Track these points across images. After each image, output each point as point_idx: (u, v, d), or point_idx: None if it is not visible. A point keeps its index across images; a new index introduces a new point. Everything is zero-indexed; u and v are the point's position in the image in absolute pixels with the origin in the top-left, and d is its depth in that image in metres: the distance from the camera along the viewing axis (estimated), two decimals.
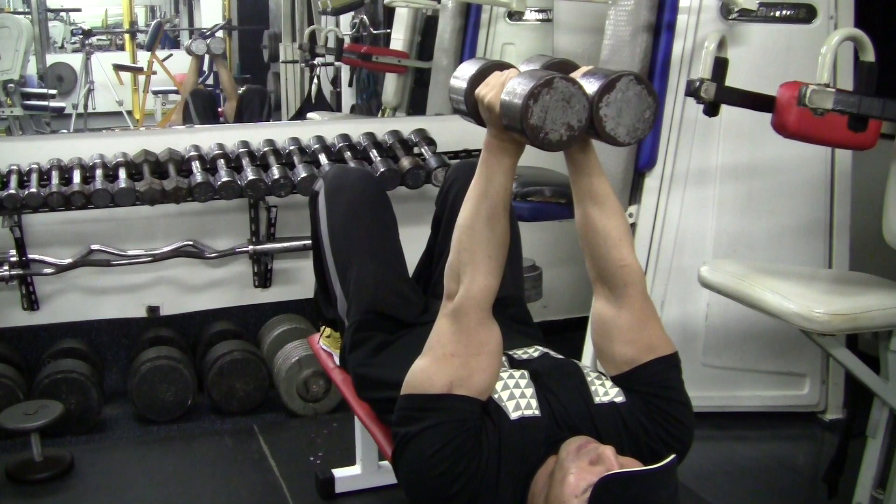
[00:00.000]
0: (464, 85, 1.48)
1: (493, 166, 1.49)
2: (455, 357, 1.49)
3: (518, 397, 1.55)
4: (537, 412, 1.54)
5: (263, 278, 3.55)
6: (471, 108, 1.49)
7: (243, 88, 4.49)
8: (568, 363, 1.70)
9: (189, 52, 4.29)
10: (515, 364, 1.68)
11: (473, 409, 1.50)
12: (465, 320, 1.50)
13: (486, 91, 1.45)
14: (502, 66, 1.51)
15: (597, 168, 1.58)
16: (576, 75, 1.46)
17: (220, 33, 4.65)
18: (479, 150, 3.72)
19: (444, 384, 1.48)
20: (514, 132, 1.39)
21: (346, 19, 4.45)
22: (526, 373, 1.61)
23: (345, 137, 3.44)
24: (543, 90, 1.32)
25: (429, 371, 1.51)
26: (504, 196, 1.49)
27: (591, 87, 1.38)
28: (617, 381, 1.63)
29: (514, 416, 1.53)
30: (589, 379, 1.63)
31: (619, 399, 1.59)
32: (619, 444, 1.47)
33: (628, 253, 1.59)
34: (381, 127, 3.53)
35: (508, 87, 1.37)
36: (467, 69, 1.50)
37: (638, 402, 1.58)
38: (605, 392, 1.60)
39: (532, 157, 3.72)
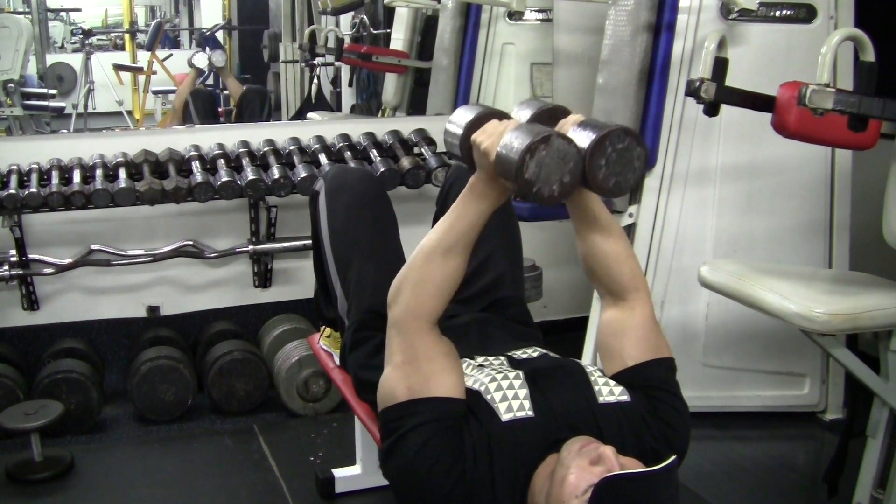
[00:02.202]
0: (459, 131, 1.53)
1: (470, 207, 1.54)
2: (406, 364, 1.54)
3: (511, 399, 1.55)
4: (531, 413, 1.53)
5: (263, 278, 3.55)
6: (465, 151, 1.53)
7: (243, 88, 4.49)
8: (570, 363, 1.70)
9: (190, 65, 4.29)
10: (514, 364, 1.68)
11: (448, 408, 1.52)
12: (406, 331, 1.55)
13: (483, 138, 1.49)
14: (500, 114, 1.55)
15: (595, 197, 1.62)
16: (567, 125, 1.50)
17: (219, 33, 4.65)
18: None
19: (404, 391, 1.52)
20: (507, 182, 1.44)
21: (346, 19, 4.45)
22: (521, 373, 1.61)
23: (345, 137, 3.44)
24: (540, 146, 1.36)
25: (388, 383, 1.56)
26: (468, 236, 1.55)
27: (583, 140, 1.42)
28: (620, 377, 1.64)
29: (505, 417, 1.52)
30: (592, 378, 1.62)
31: (624, 398, 1.59)
32: (621, 443, 1.46)
33: (635, 265, 1.67)
34: (381, 127, 3.53)
35: (506, 139, 1.41)
36: (464, 115, 1.54)
37: (642, 399, 1.59)
38: (610, 391, 1.60)
39: None
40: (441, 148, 3.48)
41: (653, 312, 1.67)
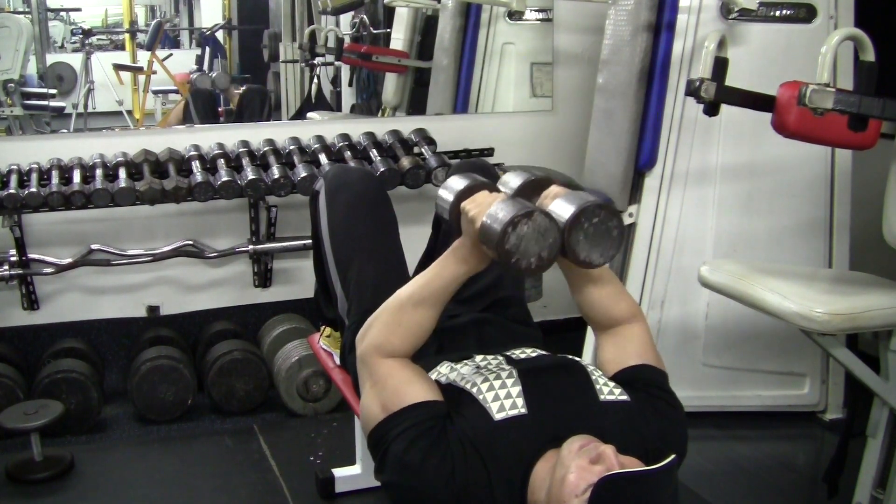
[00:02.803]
0: (451, 197, 1.63)
1: (449, 268, 1.61)
2: (375, 386, 1.60)
3: (503, 398, 1.56)
4: (524, 410, 1.54)
5: (263, 278, 3.55)
6: (453, 216, 1.62)
7: (243, 88, 4.49)
8: (571, 361, 1.71)
9: (193, 84, 4.30)
10: (513, 364, 1.68)
11: (425, 412, 1.54)
12: (370, 363, 1.63)
13: (471, 207, 1.56)
14: (490, 186, 1.64)
15: None
16: (548, 198, 1.57)
17: (219, 33, 4.65)
18: (479, 150, 3.72)
19: (379, 410, 1.57)
20: (488, 250, 1.51)
21: (346, 19, 4.45)
22: (514, 371, 1.61)
23: (345, 137, 3.44)
24: (523, 220, 1.44)
25: (365, 410, 1.62)
26: (441, 295, 1.62)
27: (562, 215, 1.49)
28: (618, 377, 1.66)
29: (498, 417, 1.53)
30: (594, 378, 1.63)
31: (624, 398, 1.60)
32: (621, 442, 1.47)
33: (630, 299, 1.79)
34: (381, 127, 3.53)
35: (492, 210, 1.49)
36: (457, 183, 1.64)
37: (641, 399, 1.61)
38: (611, 391, 1.61)
39: (532, 157, 3.73)
40: (441, 148, 3.48)
41: (650, 333, 1.76)
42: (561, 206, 1.51)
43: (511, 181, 1.66)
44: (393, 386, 1.58)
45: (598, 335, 1.78)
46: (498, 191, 1.64)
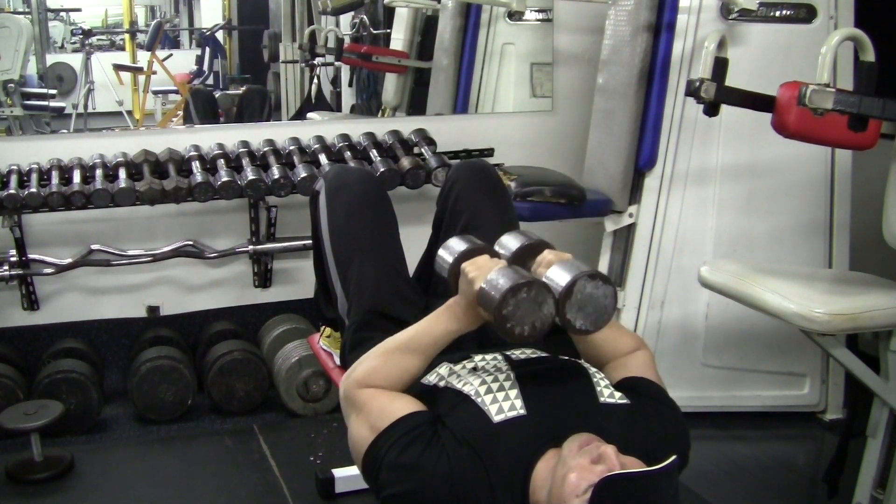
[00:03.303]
0: (451, 258, 1.70)
1: (441, 324, 1.65)
2: (360, 412, 1.61)
3: (501, 400, 1.56)
4: (522, 411, 1.54)
5: (263, 278, 3.55)
6: (452, 276, 1.68)
7: (243, 88, 4.49)
8: (572, 363, 1.71)
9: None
10: (512, 364, 1.68)
11: (412, 421, 1.55)
12: (350, 396, 1.64)
13: (471, 269, 1.60)
14: (491, 251, 1.71)
15: None
16: (542, 266, 1.62)
17: (219, 33, 4.65)
18: (479, 150, 3.72)
19: (369, 433, 1.57)
20: (484, 313, 1.57)
21: (346, 19, 4.45)
22: (511, 374, 1.62)
23: (345, 137, 3.44)
24: (522, 289, 1.50)
25: (354, 437, 1.62)
26: (430, 348, 1.65)
27: (557, 284, 1.54)
28: (620, 385, 1.67)
29: (497, 419, 1.54)
30: (595, 380, 1.64)
31: (625, 401, 1.61)
32: (622, 443, 1.47)
33: (630, 334, 1.84)
34: (381, 127, 3.53)
35: (492, 276, 1.54)
36: (458, 245, 1.72)
37: (642, 402, 1.62)
38: (611, 394, 1.62)
39: (532, 157, 3.73)
40: (441, 148, 3.48)
41: (654, 361, 1.79)
42: (556, 274, 1.56)
43: (509, 244, 1.73)
44: (378, 406, 1.58)
45: (601, 369, 1.79)
46: (497, 255, 1.71)
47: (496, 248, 1.74)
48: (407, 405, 1.59)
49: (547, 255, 1.67)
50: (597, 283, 1.53)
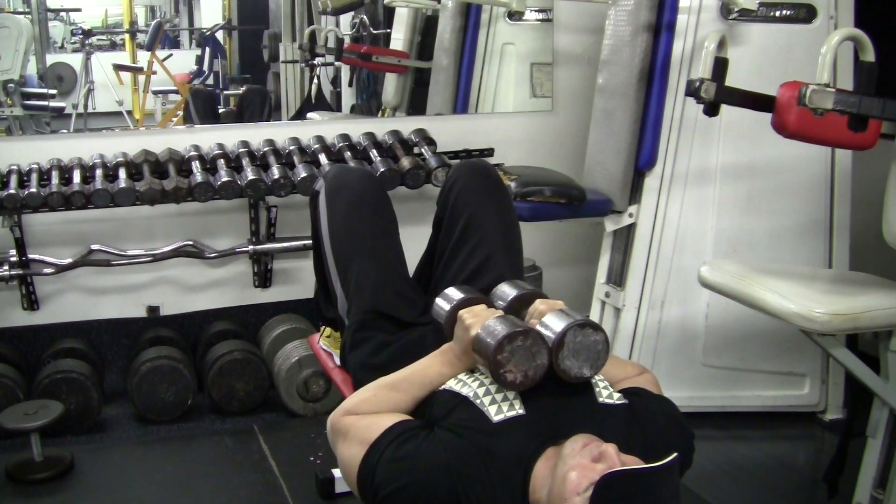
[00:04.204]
0: (448, 306, 1.76)
1: (434, 368, 1.69)
2: (348, 433, 1.62)
3: (500, 402, 1.56)
4: (521, 411, 1.55)
5: (263, 278, 3.55)
6: (448, 323, 1.74)
7: (243, 88, 4.49)
8: None
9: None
10: None
11: (405, 425, 1.56)
12: (337, 423, 1.66)
13: (468, 316, 1.66)
14: (487, 301, 1.77)
15: None
16: (535, 316, 1.67)
17: (219, 33, 4.65)
18: (479, 150, 3.71)
19: (359, 448, 1.56)
20: (479, 359, 1.60)
21: (346, 19, 4.45)
22: None
23: (345, 137, 3.44)
24: (518, 338, 1.55)
25: (344, 458, 1.61)
26: (421, 389, 1.67)
27: (552, 332, 1.59)
28: (620, 390, 1.68)
29: (496, 419, 1.54)
30: (594, 381, 1.64)
31: (624, 401, 1.62)
32: (622, 442, 1.47)
33: (629, 364, 1.88)
34: (381, 127, 3.53)
35: (489, 323, 1.60)
36: (455, 293, 1.79)
37: (643, 402, 1.63)
38: (609, 395, 1.63)
39: (532, 157, 3.72)
40: (441, 148, 3.48)
41: (657, 381, 1.81)
42: (551, 322, 1.61)
43: (505, 294, 1.80)
44: (365, 424, 1.59)
45: None
46: (492, 305, 1.77)
47: (492, 298, 1.81)
48: (395, 417, 1.60)
49: (539, 305, 1.71)
50: (587, 331, 1.58)
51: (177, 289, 3.50)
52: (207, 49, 4.64)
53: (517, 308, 1.75)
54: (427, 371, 1.69)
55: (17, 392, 3.00)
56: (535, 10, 3.84)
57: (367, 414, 1.63)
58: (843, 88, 2.07)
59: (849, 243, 3.03)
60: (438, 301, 1.81)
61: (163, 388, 3.14)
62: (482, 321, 1.61)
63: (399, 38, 4.17)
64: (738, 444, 2.99)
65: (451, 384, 1.66)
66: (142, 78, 4.42)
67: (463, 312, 1.68)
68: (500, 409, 1.55)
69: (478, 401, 1.57)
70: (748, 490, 2.73)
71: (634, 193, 3.02)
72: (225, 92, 4.52)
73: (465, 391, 1.60)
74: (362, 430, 1.58)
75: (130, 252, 3.34)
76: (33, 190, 3.03)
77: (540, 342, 1.56)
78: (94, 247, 3.30)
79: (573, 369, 1.58)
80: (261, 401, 3.24)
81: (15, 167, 3.15)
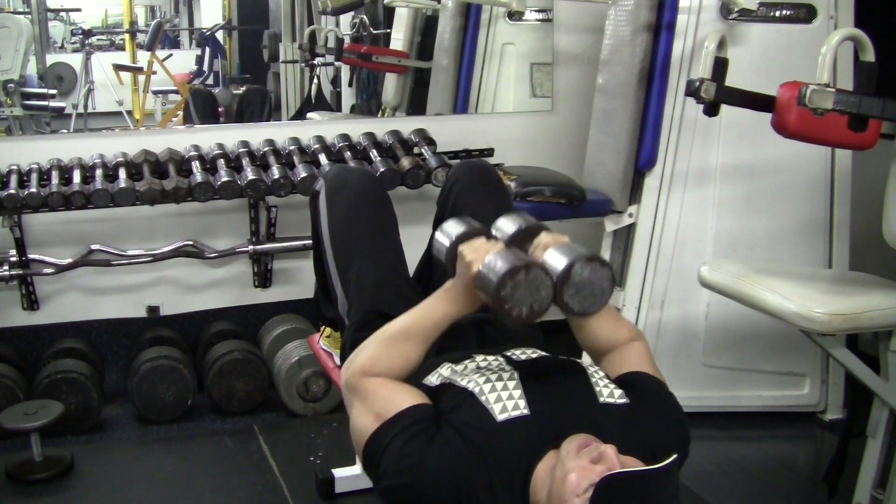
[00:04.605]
0: (447, 241, 1.69)
1: (439, 307, 1.66)
2: (365, 401, 1.61)
3: (505, 399, 1.56)
4: (526, 411, 1.54)
5: (263, 278, 3.55)
6: (449, 259, 1.67)
7: (243, 88, 4.49)
8: (571, 362, 1.71)
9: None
10: (513, 364, 1.68)
11: (416, 415, 1.55)
12: (356, 384, 1.63)
13: (469, 252, 1.61)
14: (487, 233, 1.69)
15: None
16: (539, 249, 1.62)
17: (219, 33, 4.65)
18: (480, 150, 3.71)
19: (373, 421, 1.56)
20: (482, 295, 1.57)
21: (346, 19, 4.45)
22: (515, 373, 1.62)
23: (345, 137, 3.44)
24: (520, 272, 1.50)
25: (357, 424, 1.61)
26: (430, 332, 1.66)
27: (554, 267, 1.54)
28: (619, 380, 1.67)
29: (500, 417, 1.53)
30: (594, 380, 1.63)
31: (623, 400, 1.61)
32: (621, 443, 1.47)
33: (627, 323, 1.83)
34: (381, 127, 3.53)
35: (489, 258, 1.54)
36: (455, 227, 1.70)
37: (641, 400, 1.62)
38: (610, 393, 1.62)
39: (532, 157, 3.72)
40: (441, 148, 3.48)
41: (650, 352, 1.78)
42: (554, 257, 1.56)
43: (505, 227, 1.72)
44: (384, 396, 1.59)
45: (599, 361, 1.80)
46: (493, 237, 1.70)
47: (493, 231, 1.73)
48: (412, 397, 1.58)
49: (544, 237, 1.66)
50: (594, 265, 1.53)
51: (177, 289, 3.50)
52: (207, 49, 4.64)
53: (520, 241, 1.68)
54: (432, 313, 1.66)
55: (17, 392, 3.00)
56: (535, 10, 3.84)
57: (384, 378, 1.62)
58: (843, 88, 2.07)
59: (849, 243, 3.03)
60: (438, 236, 1.73)
61: (163, 388, 3.14)
62: (483, 256, 1.57)
63: (399, 38, 4.17)
64: (738, 444, 2.99)
65: (456, 379, 1.65)
66: (142, 78, 4.42)
67: (463, 248, 1.63)
68: (505, 407, 1.54)
69: (483, 397, 1.56)
70: (748, 490, 2.73)
71: (634, 193, 3.02)
72: (224, 88, 4.52)
73: (470, 386, 1.60)
74: (380, 402, 1.57)
75: (130, 252, 3.34)
76: (33, 190, 3.03)
77: (543, 274, 1.52)
78: (94, 247, 3.30)
79: (575, 304, 1.54)
80: (261, 401, 3.24)
81: (15, 167, 3.15)
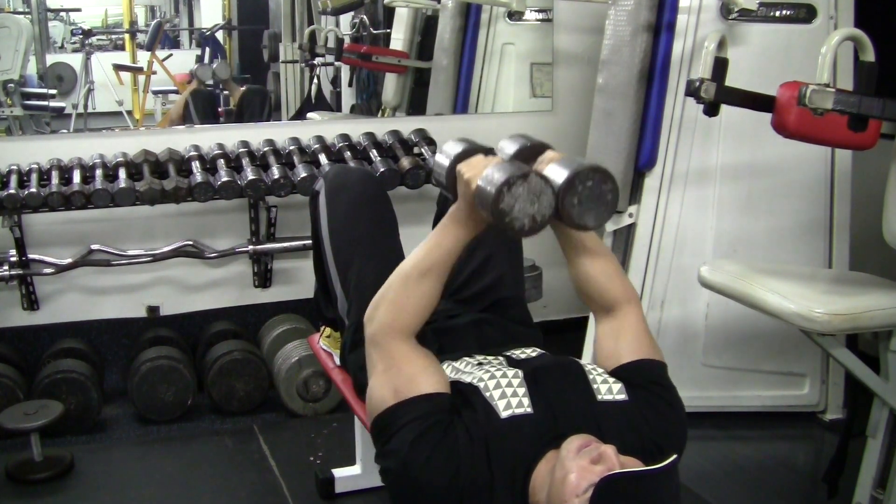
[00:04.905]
0: (447, 161, 1.64)
1: (448, 234, 1.63)
2: (388, 370, 1.59)
3: (510, 396, 1.55)
4: (529, 409, 1.54)
5: (263, 278, 3.55)
6: (450, 181, 1.63)
7: (243, 88, 4.49)
8: (569, 361, 1.70)
9: (193, 76, 4.30)
10: (513, 364, 1.68)
11: (435, 404, 1.53)
12: (382, 343, 1.61)
13: (467, 169, 1.58)
14: (486, 150, 1.65)
15: None
16: (544, 163, 1.57)
17: (219, 33, 4.65)
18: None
19: (391, 395, 1.55)
20: (483, 212, 1.52)
21: (346, 19, 4.45)
22: (520, 372, 1.61)
23: (345, 137, 3.44)
24: (518, 182, 1.46)
25: (375, 392, 1.60)
26: (444, 262, 1.63)
27: (557, 178, 1.50)
28: (616, 373, 1.65)
29: (504, 414, 1.53)
30: (591, 377, 1.63)
31: (622, 397, 1.60)
32: (621, 442, 1.47)
33: (625, 279, 1.77)
34: (381, 127, 3.54)
35: (487, 173, 1.51)
36: (454, 147, 1.65)
37: (639, 396, 1.61)
38: (608, 390, 1.61)
39: None
40: None
41: (645, 319, 1.74)
42: (556, 169, 1.52)
43: (507, 147, 1.67)
44: (409, 372, 1.57)
45: (596, 320, 1.77)
46: (494, 155, 1.65)
47: (498, 153, 1.68)
48: (435, 382, 1.56)
49: (549, 153, 1.63)
50: (600, 176, 1.50)
51: (177, 289, 3.50)
52: (207, 49, 4.64)
53: (524, 160, 1.62)
54: (443, 243, 1.63)
55: (17, 392, 3.00)
56: (535, 10, 3.85)
57: (413, 350, 1.60)
58: (843, 88, 2.07)
59: (849, 243, 3.03)
60: (437, 159, 1.68)
61: (163, 388, 3.14)
62: (481, 171, 1.53)
63: (399, 38, 4.17)
64: (738, 444, 2.99)
65: (460, 377, 1.64)
66: (142, 78, 4.42)
67: (461, 166, 1.60)
68: (509, 403, 1.54)
69: (487, 393, 1.56)
70: (748, 490, 2.73)
71: (634, 193, 3.01)
72: (225, 92, 4.52)
73: (475, 382, 1.60)
74: (403, 378, 1.56)
75: (130, 252, 3.34)
76: (33, 190, 3.03)
77: (542, 182, 1.48)
78: (94, 247, 3.30)
79: (577, 216, 1.50)
80: (261, 401, 3.24)
81: (15, 167, 3.15)
